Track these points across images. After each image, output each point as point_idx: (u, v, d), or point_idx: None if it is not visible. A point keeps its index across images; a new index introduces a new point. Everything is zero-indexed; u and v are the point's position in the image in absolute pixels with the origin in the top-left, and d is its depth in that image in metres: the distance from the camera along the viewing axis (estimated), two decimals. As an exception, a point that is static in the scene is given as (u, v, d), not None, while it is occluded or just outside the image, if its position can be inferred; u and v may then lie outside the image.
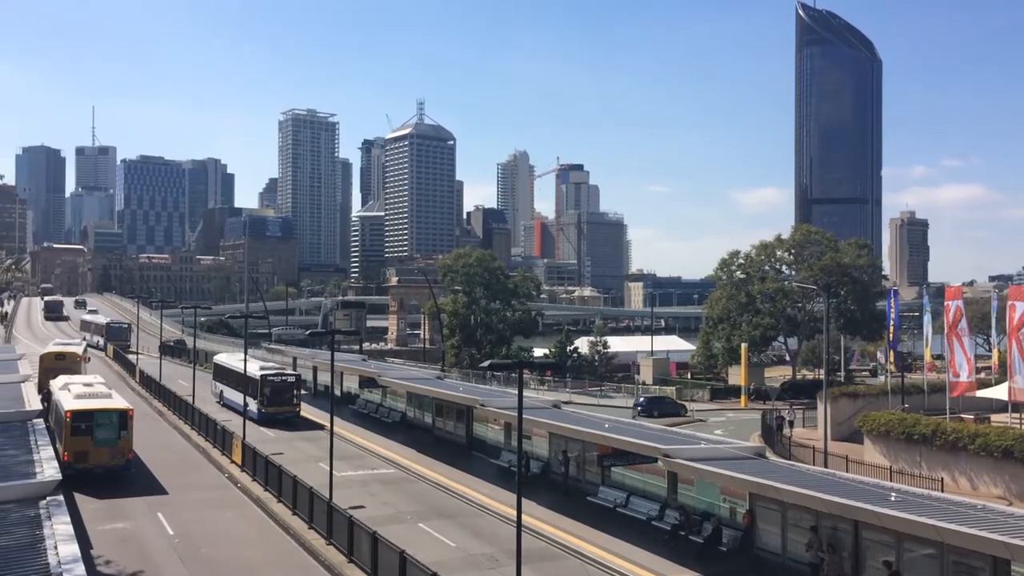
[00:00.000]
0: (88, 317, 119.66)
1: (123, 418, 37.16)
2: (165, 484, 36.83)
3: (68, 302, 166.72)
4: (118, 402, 39.35)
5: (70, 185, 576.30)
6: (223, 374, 60.67)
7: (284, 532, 30.07)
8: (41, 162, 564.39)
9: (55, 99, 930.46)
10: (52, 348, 64.76)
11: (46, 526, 18.60)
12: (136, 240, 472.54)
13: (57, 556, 16.56)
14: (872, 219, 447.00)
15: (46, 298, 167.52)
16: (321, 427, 51.16)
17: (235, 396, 54.54)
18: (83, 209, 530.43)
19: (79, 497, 32.90)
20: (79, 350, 63.93)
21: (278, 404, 52.40)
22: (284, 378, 54.02)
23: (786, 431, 50.60)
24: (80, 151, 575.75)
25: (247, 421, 46.13)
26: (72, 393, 39.94)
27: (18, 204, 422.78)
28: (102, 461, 36.18)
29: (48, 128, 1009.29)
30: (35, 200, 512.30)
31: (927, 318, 54.41)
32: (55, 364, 57.44)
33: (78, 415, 36.53)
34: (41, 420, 33.85)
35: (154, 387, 62.84)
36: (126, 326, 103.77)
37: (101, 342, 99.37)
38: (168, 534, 29.49)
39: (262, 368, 54.88)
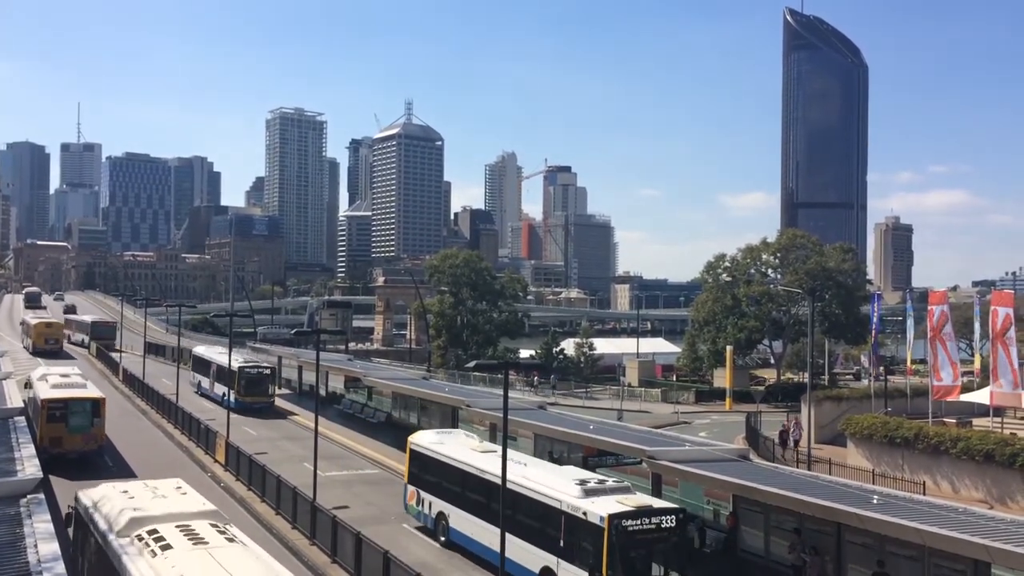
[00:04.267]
0: (75, 317, 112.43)
1: (96, 406, 39.42)
2: (147, 483, 36.53)
3: (47, 299, 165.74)
4: (92, 391, 41.55)
5: (54, 182, 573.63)
6: (427, 467, 30.55)
7: (267, 532, 29.88)
8: (25, 158, 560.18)
9: (40, 95, 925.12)
10: (41, 319, 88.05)
11: (26, 524, 18.38)
12: (121, 238, 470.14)
13: (37, 555, 16.38)
14: (857, 223, 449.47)
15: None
16: (306, 427, 50.76)
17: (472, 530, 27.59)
18: (67, 206, 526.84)
19: (56, 483, 32.56)
20: (61, 322, 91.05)
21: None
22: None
23: (790, 445, 47.34)
24: (65, 147, 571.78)
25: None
26: (49, 383, 42.14)
27: (1, 200, 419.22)
28: (75, 446, 38.50)
29: (33, 124, 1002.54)
30: (19, 196, 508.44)
31: (910, 323, 54.79)
32: (46, 331, 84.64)
33: (53, 404, 38.77)
34: (22, 418, 33.52)
35: (137, 385, 62.44)
36: (112, 324, 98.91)
37: (86, 340, 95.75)
38: (150, 533, 29.22)
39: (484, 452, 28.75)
